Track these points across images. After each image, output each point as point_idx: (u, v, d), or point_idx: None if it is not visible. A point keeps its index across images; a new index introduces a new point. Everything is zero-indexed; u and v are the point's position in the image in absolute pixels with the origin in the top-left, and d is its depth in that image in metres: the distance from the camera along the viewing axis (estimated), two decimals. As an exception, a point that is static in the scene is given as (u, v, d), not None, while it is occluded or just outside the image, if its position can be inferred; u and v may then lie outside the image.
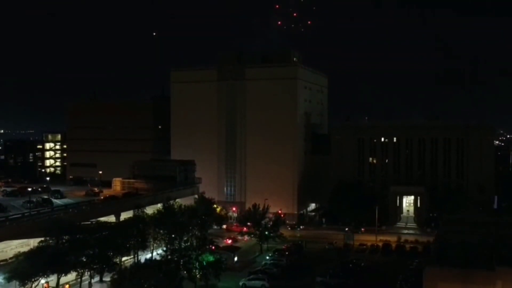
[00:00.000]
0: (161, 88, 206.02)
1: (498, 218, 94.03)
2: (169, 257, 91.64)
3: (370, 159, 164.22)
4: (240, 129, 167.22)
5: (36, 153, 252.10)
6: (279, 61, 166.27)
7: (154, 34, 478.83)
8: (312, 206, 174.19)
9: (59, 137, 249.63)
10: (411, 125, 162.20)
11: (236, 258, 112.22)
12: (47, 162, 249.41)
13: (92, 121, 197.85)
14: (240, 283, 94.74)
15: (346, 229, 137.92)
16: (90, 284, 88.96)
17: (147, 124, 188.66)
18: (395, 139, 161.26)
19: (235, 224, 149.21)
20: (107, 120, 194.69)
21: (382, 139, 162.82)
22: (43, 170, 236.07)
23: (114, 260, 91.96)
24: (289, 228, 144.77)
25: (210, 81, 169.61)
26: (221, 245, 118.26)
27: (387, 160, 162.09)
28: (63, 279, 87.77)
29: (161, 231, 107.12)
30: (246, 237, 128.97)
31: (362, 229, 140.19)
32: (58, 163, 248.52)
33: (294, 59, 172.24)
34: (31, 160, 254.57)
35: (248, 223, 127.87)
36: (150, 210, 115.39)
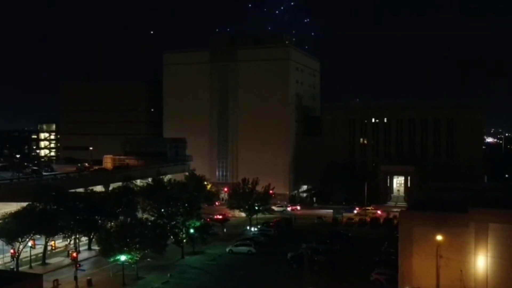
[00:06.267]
0: (154, 71, 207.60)
1: (477, 184, 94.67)
2: (158, 221, 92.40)
3: (361, 139, 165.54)
4: (232, 110, 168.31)
5: (32, 144, 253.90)
6: (271, 43, 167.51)
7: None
8: (304, 187, 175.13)
9: (53, 127, 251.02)
10: (402, 105, 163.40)
11: (225, 230, 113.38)
12: (42, 152, 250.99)
13: (85, 104, 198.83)
14: (227, 249, 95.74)
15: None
16: (76, 248, 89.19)
17: (140, 107, 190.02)
18: (385, 120, 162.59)
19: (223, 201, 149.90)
20: (100, 103, 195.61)
21: (373, 120, 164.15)
22: (37, 151, 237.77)
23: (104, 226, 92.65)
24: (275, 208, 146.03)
25: (202, 63, 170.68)
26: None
27: (377, 140, 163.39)
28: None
29: (150, 202, 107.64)
30: (236, 211, 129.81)
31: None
32: (53, 153, 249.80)
33: (286, 42, 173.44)
34: (26, 151, 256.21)
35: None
36: (140, 184, 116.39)
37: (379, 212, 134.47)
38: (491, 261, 56.52)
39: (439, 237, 57.39)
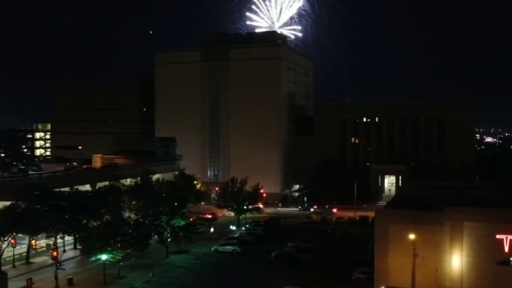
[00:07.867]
0: (146, 70, 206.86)
1: (464, 183, 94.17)
2: (141, 220, 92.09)
3: (353, 138, 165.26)
4: (224, 109, 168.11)
5: (27, 144, 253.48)
6: (264, 42, 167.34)
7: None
8: (297, 187, 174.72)
9: (49, 126, 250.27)
10: (393, 104, 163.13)
11: (212, 229, 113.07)
12: (38, 152, 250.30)
13: (78, 103, 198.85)
14: (212, 249, 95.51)
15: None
16: (57, 246, 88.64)
17: (132, 106, 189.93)
18: (377, 119, 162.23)
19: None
20: (93, 102, 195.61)
21: (365, 119, 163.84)
22: (25, 150, 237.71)
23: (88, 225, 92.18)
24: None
25: (194, 62, 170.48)
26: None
27: (369, 140, 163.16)
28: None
29: (137, 201, 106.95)
30: (225, 211, 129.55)
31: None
32: (48, 153, 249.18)
33: (279, 41, 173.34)
34: (21, 151, 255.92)
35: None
36: (128, 183, 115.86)
37: (334, 210, 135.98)
38: (466, 259, 56.28)
39: (414, 236, 57.13)
